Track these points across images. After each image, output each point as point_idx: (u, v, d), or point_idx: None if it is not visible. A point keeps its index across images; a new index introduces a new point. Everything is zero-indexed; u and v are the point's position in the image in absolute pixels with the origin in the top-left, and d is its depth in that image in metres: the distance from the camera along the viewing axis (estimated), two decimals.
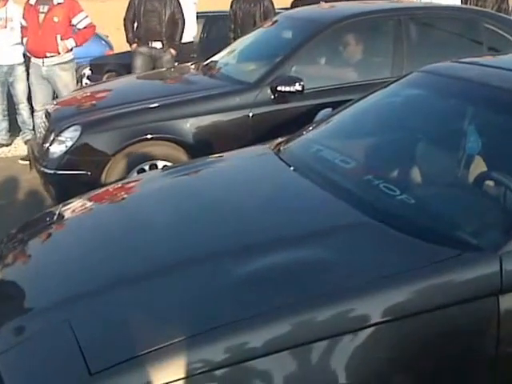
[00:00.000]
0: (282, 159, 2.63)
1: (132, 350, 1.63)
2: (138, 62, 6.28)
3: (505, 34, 4.69)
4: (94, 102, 4.57)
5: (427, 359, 1.78)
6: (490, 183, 2.22)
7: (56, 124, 4.22)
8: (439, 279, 1.80)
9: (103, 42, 9.11)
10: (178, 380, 1.58)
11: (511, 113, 2.33)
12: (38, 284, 2.09)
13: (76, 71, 7.48)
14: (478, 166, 2.33)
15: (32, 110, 5.87)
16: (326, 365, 1.68)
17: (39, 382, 1.65)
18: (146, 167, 4.11)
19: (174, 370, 1.59)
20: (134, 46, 6.32)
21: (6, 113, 6.17)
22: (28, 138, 5.91)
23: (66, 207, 2.67)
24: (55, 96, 5.71)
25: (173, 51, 6.25)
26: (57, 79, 5.61)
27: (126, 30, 6.38)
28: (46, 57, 5.52)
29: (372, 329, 1.71)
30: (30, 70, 5.75)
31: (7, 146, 6.24)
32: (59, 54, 5.52)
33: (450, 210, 2.15)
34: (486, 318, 1.82)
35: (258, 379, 1.64)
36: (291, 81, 4.18)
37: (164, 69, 5.83)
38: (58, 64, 5.57)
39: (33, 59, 5.65)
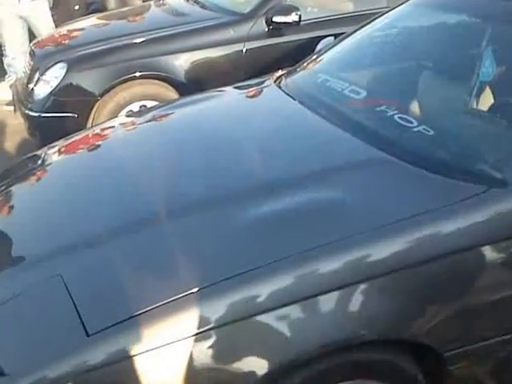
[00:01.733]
0: (285, 92, 2.43)
1: (133, 307, 1.48)
2: (111, 3, 5.93)
3: None
4: (80, 37, 4.32)
5: (455, 302, 1.66)
6: None
7: (41, 62, 4.01)
8: (465, 218, 1.64)
9: None
10: (184, 339, 1.44)
11: None
12: (26, 235, 1.92)
13: None
14: (499, 94, 2.13)
15: (1, 53, 5.59)
16: (348, 314, 1.55)
17: (32, 347, 1.49)
18: (136, 109, 3.89)
19: (179, 328, 1.45)
20: None
21: None
22: (13, 81, 5.63)
23: (50, 150, 2.49)
24: (34, 36, 5.41)
25: None
26: (36, 16, 5.32)
27: None
28: None
29: (399, 273, 1.57)
30: (1, 10, 5.38)
31: None
32: None
33: (472, 141, 1.97)
34: None
35: (272, 334, 1.50)
36: (287, 10, 3.96)
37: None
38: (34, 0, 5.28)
39: None
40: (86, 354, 1.42)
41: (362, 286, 1.55)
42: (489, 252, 1.67)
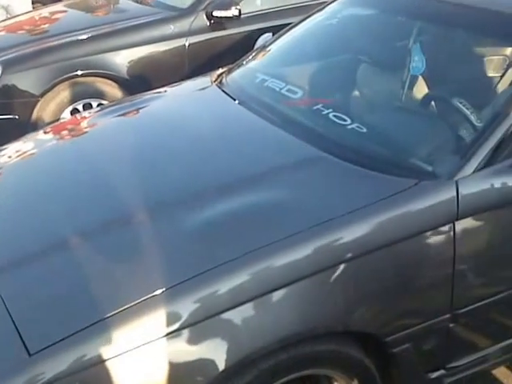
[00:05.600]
0: (225, 92, 2.48)
1: (77, 322, 1.46)
2: None
3: None
4: (14, 36, 4.22)
5: (389, 292, 1.75)
6: (442, 106, 2.14)
7: None
8: (398, 211, 1.73)
9: None
10: (134, 349, 1.45)
11: (462, 27, 2.22)
12: None
13: None
14: (428, 88, 2.23)
15: None
16: (295, 310, 1.61)
17: None
18: (80, 107, 3.89)
19: (127, 339, 1.45)
20: None
21: None
22: None
23: None
24: None
25: None
26: None
27: None
28: None
29: (336, 268, 1.65)
30: None
31: None
32: None
33: (402, 137, 2.06)
34: (444, 244, 1.79)
35: (227, 333, 1.54)
36: (227, 4, 4.01)
37: None
38: None
39: None
40: (27, 375, 1.38)
41: (305, 283, 1.61)
42: (421, 242, 1.75)
